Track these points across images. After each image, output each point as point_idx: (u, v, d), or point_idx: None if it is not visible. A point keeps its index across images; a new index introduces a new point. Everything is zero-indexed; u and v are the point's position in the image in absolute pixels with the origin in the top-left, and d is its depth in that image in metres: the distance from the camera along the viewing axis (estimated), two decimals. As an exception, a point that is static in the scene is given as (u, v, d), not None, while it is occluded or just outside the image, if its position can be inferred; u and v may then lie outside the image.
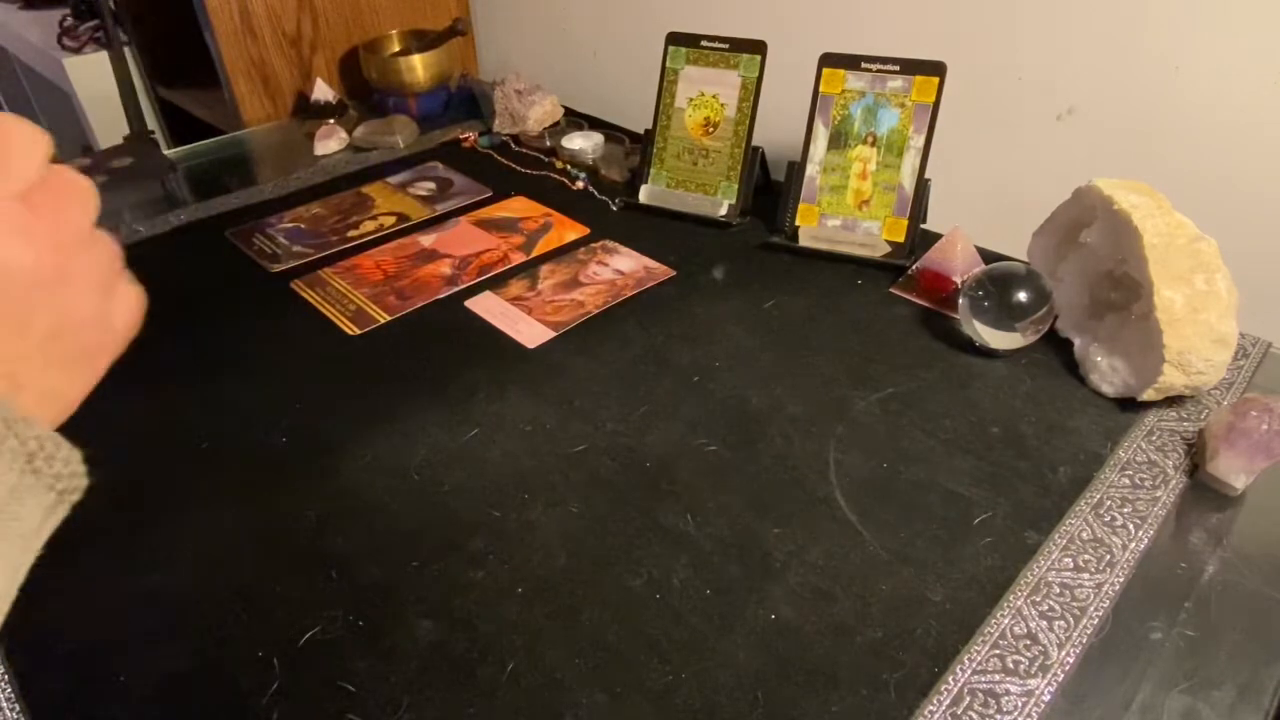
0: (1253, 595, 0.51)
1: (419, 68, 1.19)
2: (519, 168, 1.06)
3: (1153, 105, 0.77)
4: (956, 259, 0.75)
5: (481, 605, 0.50)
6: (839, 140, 0.84)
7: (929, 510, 0.56)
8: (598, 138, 1.06)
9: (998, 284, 0.67)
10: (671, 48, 0.92)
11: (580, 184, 1.00)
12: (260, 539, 0.55)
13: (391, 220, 0.94)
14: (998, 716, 0.44)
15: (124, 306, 0.30)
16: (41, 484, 0.24)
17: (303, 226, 0.93)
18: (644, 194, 0.95)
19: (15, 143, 0.25)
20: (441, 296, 0.80)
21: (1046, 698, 0.45)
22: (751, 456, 0.60)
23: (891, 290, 0.79)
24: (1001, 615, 0.49)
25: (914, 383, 0.67)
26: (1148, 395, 0.62)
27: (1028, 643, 0.47)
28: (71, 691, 0.46)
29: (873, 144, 0.82)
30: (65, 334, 0.26)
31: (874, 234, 0.83)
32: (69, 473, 0.25)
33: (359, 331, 0.75)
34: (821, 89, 0.84)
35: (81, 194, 0.27)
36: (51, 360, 0.26)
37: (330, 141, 1.11)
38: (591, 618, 0.49)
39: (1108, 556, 0.52)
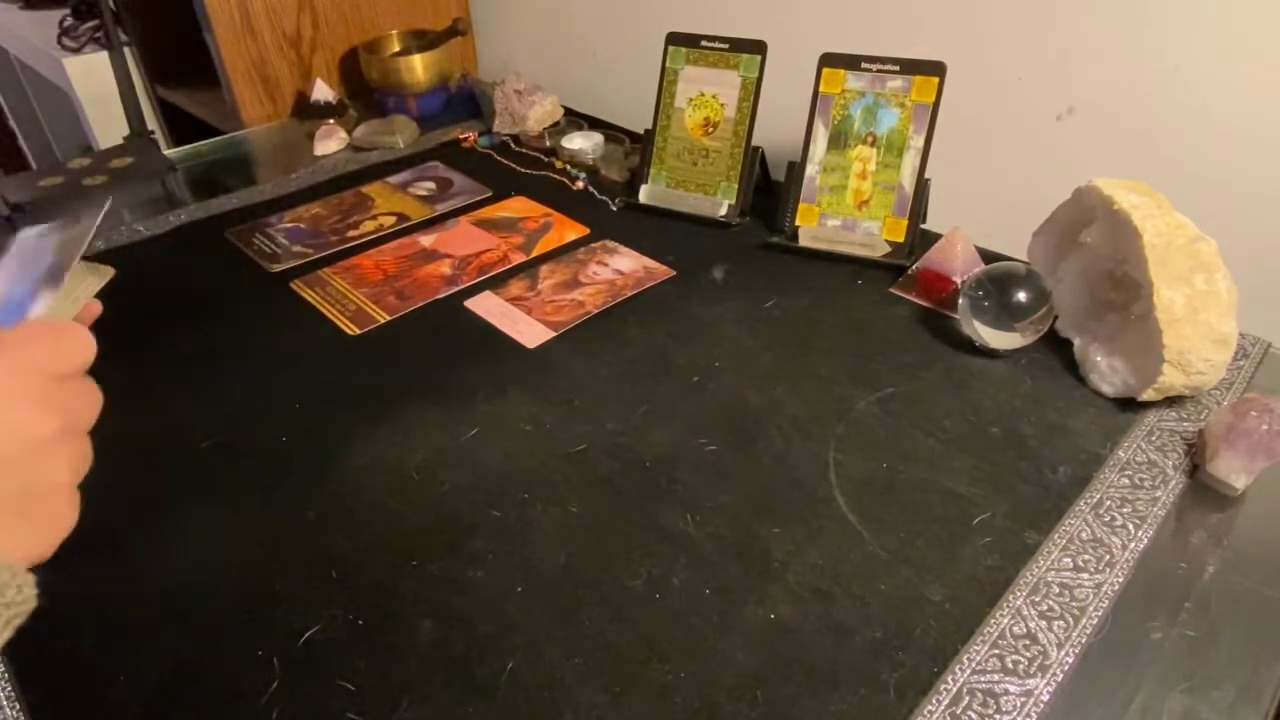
0: (1253, 595, 0.51)
1: (419, 68, 1.19)
2: (519, 168, 1.06)
3: (1153, 105, 0.77)
4: (956, 259, 0.75)
5: (481, 605, 0.50)
6: (839, 140, 0.84)
7: (929, 510, 0.56)
8: (598, 138, 1.06)
9: (998, 284, 0.67)
10: (671, 48, 0.92)
11: (580, 184, 1.00)
12: (260, 539, 0.55)
13: (391, 220, 0.94)
14: (997, 716, 0.44)
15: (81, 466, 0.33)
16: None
17: (303, 226, 0.93)
18: (644, 194, 0.95)
19: (71, 343, 0.32)
20: (441, 296, 0.80)
21: (1046, 697, 0.45)
22: (751, 456, 0.60)
23: (891, 290, 0.79)
24: (1001, 615, 0.49)
25: (914, 383, 0.67)
26: (1148, 395, 0.62)
27: (1027, 642, 0.47)
28: (71, 692, 0.46)
29: (873, 144, 0.82)
30: (46, 497, 0.31)
31: (874, 234, 0.83)
32: (21, 599, 0.29)
33: (359, 331, 0.75)
34: (821, 89, 0.84)
35: (97, 401, 0.34)
36: (29, 517, 0.30)
37: (330, 141, 1.11)
38: (591, 618, 0.49)
39: (1107, 556, 0.52)
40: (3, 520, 0.29)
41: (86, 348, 0.33)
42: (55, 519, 0.31)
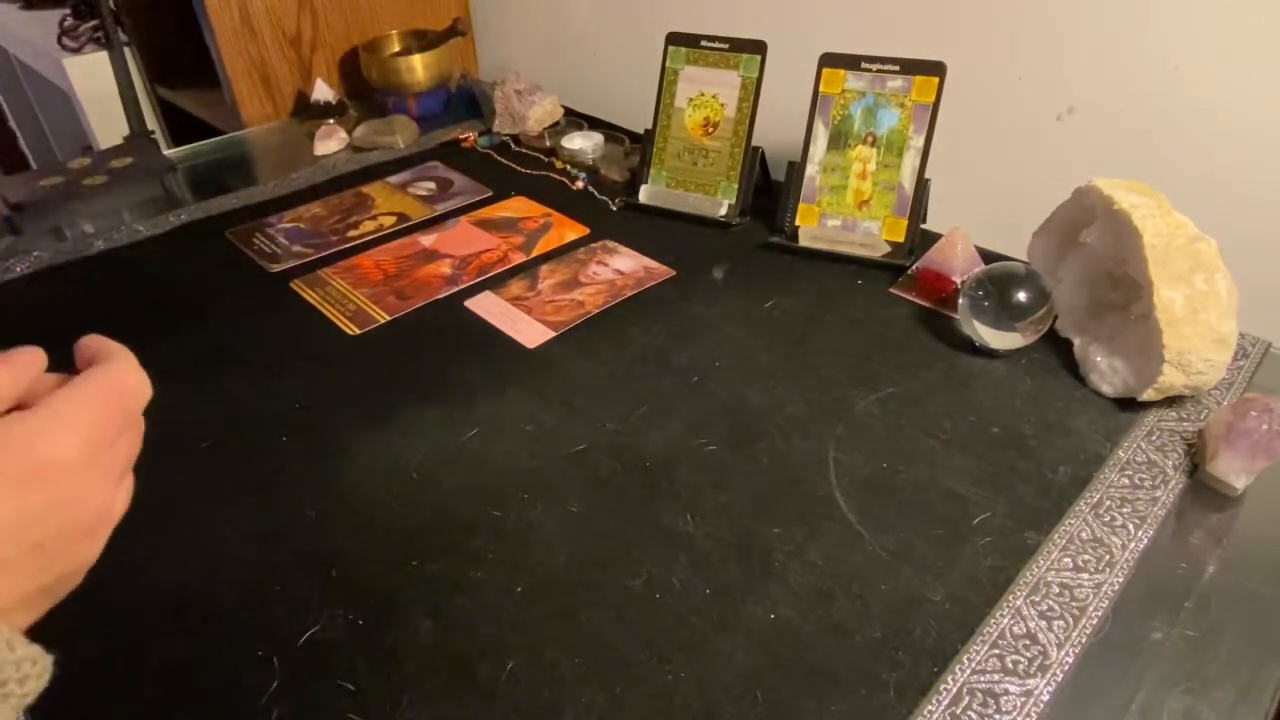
0: (1253, 595, 0.51)
1: (419, 68, 1.19)
2: (519, 168, 1.06)
3: (1153, 105, 0.77)
4: (956, 259, 0.75)
5: (481, 605, 0.50)
6: (839, 140, 0.84)
7: (929, 510, 0.56)
8: (598, 138, 1.06)
9: (998, 284, 0.67)
10: (671, 48, 0.92)
11: (580, 184, 1.00)
12: (260, 539, 0.55)
13: (391, 220, 0.94)
14: (997, 716, 0.44)
15: (92, 511, 0.31)
16: (8, 705, 0.26)
17: (303, 226, 0.93)
18: (644, 194, 0.95)
19: (135, 388, 0.33)
20: (441, 296, 0.80)
21: (1046, 697, 0.45)
22: (751, 456, 0.60)
23: (891, 290, 0.79)
24: (1001, 615, 0.49)
25: (914, 383, 0.67)
26: (1148, 395, 0.62)
27: (1027, 643, 0.47)
28: (72, 691, 0.46)
29: (873, 144, 0.82)
30: (76, 576, 0.30)
31: (874, 234, 0.83)
32: (36, 688, 0.27)
33: (359, 331, 0.75)
34: (821, 89, 0.84)
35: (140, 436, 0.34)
36: (54, 595, 0.29)
37: (330, 141, 1.11)
38: (591, 618, 0.49)
39: (1107, 556, 0.52)
40: (35, 601, 0.28)
41: (143, 387, 0.32)
42: (69, 588, 0.30)
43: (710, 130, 0.92)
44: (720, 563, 0.52)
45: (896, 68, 0.81)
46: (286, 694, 0.46)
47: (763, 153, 0.91)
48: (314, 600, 0.51)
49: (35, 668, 0.26)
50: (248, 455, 0.62)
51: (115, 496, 0.30)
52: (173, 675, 0.47)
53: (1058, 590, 0.50)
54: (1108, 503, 0.56)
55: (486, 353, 0.72)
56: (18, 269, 0.85)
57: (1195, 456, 0.60)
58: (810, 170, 0.85)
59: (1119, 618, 0.49)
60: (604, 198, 0.97)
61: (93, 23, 1.37)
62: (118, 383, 0.30)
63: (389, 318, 0.77)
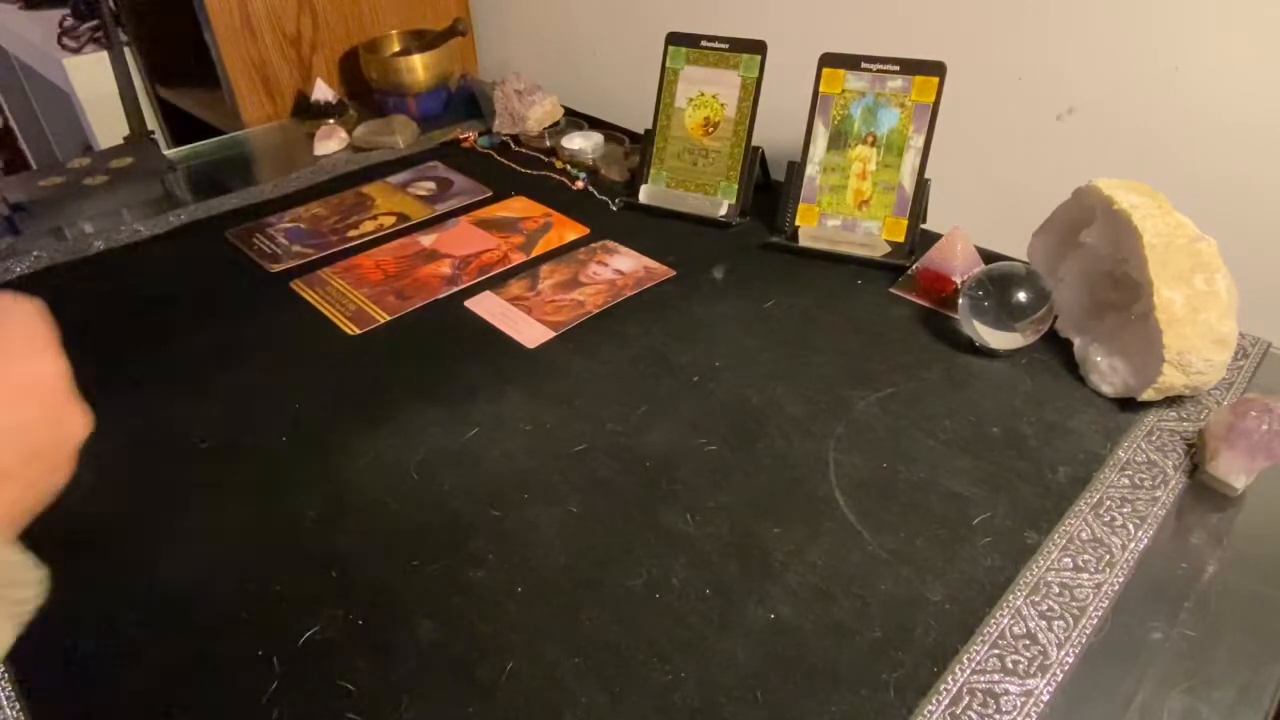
0: (1253, 595, 0.51)
1: (419, 68, 1.19)
2: (519, 168, 1.06)
3: (1153, 105, 0.77)
4: (956, 259, 0.75)
5: (481, 605, 0.50)
6: (839, 140, 0.84)
7: (929, 510, 0.56)
8: (598, 138, 1.06)
9: (998, 284, 0.67)
10: (671, 48, 0.92)
11: (580, 184, 1.00)
12: (260, 539, 0.55)
13: (391, 220, 0.94)
14: (997, 716, 0.44)
15: (74, 427, 0.33)
16: (4, 611, 0.26)
17: (303, 226, 0.93)
18: (644, 194, 0.95)
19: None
20: (441, 296, 0.80)
21: (1046, 697, 0.45)
22: (751, 456, 0.60)
23: (891, 290, 0.79)
24: (1001, 615, 0.49)
25: (914, 383, 0.67)
26: (1148, 395, 0.62)
27: (1027, 642, 0.47)
28: (71, 691, 0.46)
29: (873, 144, 0.82)
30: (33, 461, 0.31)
31: (874, 234, 0.83)
32: (30, 596, 0.29)
33: (359, 331, 0.75)
34: (821, 89, 0.84)
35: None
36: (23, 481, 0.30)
37: (330, 141, 1.11)
38: (591, 617, 0.49)
39: (1107, 556, 0.52)
40: (17, 518, 0.29)
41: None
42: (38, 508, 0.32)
43: (710, 130, 0.92)
44: (720, 563, 0.52)
45: (896, 68, 0.81)
46: (286, 694, 0.46)
47: (763, 153, 0.91)
48: (314, 600, 0.51)
49: (35, 574, 0.28)
50: (248, 455, 0.62)
51: (80, 417, 0.32)
52: (173, 675, 0.47)
53: (1058, 590, 0.50)
54: (1108, 503, 0.56)
55: (486, 353, 0.72)
56: (18, 269, 0.85)
57: (1195, 456, 0.60)
58: (810, 170, 0.85)
59: (1119, 618, 0.49)
60: (604, 198, 0.97)
61: (93, 23, 1.37)
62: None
63: (389, 318, 0.77)
